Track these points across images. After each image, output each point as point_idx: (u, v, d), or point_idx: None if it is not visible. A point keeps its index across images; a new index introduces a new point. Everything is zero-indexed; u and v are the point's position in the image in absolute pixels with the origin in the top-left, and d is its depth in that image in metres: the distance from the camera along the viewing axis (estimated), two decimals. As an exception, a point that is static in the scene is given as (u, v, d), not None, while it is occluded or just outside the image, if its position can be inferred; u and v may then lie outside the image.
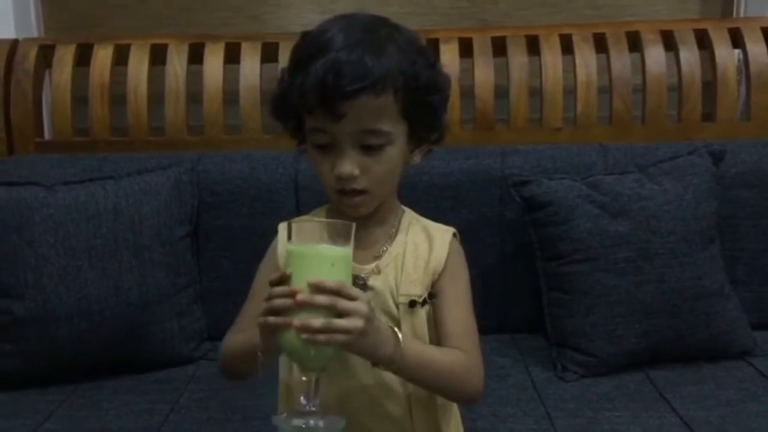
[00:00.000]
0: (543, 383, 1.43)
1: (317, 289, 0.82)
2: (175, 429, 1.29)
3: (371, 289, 0.98)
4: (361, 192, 0.94)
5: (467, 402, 1.04)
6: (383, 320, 0.94)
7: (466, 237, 1.07)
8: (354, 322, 0.82)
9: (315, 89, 0.87)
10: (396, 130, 0.93)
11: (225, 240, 1.61)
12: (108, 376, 1.46)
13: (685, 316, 1.45)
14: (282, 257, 1.01)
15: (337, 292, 0.82)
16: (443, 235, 1.02)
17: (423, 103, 0.94)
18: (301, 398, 0.85)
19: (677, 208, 1.46)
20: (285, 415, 0.86)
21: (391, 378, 0.98)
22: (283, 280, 0.84)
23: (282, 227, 1.05)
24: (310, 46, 0.91)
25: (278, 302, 0.82)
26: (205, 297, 1.60)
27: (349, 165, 0.91)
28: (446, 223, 1.07)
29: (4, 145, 1.74)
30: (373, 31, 0.92)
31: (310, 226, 0.89)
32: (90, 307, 1.43)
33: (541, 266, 1.53)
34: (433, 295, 0.99)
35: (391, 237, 1.01)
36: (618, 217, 1.46)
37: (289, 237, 0.86)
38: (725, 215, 1.57)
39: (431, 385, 0.97)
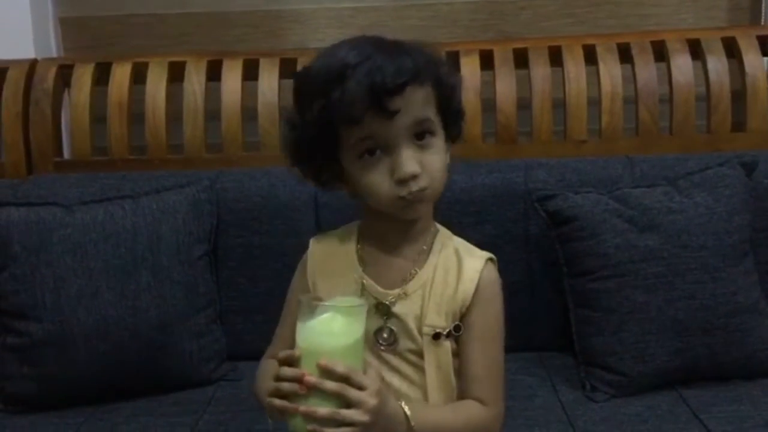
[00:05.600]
0: (571, 404, 1.39)
1: (327, 372, 0.84)
2: (195, 453, 1.27)
3: (395, 316, 0.96)
4: (422, 191, 0.92)
5: None
6: (407, 348, 0.96)
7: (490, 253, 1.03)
8: (360, 416, 0.84)
9: (362, 95, 0.87)
10: (437, 120, 0.94)
11: (244, 259, 1.59)
12: (127, 398, 1.44)
13: (719, 334, 1.40)
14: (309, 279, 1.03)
15: (346, 379, 0.84)
16: (474, 263, 0.99)
17: (451, 98, 0.96)
18: None
19: (709, 222, 1.42)
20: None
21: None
22: (292, 361, 0.86)
23: (314, 242, 1.06)
24: (331, 68, 0.90)
25: (286, 387, 0.85)
26: (224, 317, 1.58)
27: (411, 163, 0.90)
28: (469, 239, 1.04)
29: (23, 165, 1.74)
30: (390, 41, 0.94)
31: (323, 307, 0.88)
32: (108, 329, 1.42)
33: (568, 283, 1.49)
34: (458, 328, 0.97)
35: (422, 259, 0.99)
36: (647, 232, 1.42)
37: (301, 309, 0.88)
38: (759, 228, 1.52)
39: None
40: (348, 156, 0.93)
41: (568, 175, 1.58)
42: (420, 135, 0.92)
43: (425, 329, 0.95)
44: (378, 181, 0.91)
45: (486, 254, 1.01)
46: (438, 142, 0.94)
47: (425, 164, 0.91)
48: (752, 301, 1.43)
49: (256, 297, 1.59)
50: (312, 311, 0.86)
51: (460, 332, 0.97)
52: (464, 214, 1.54)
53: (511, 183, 1.57)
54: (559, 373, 1.50)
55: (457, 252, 1.00)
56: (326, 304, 0.87)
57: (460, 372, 0.98)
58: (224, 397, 1.46)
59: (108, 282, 1.43)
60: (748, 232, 1.46)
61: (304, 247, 1.64)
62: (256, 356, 1.54)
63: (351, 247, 1.01)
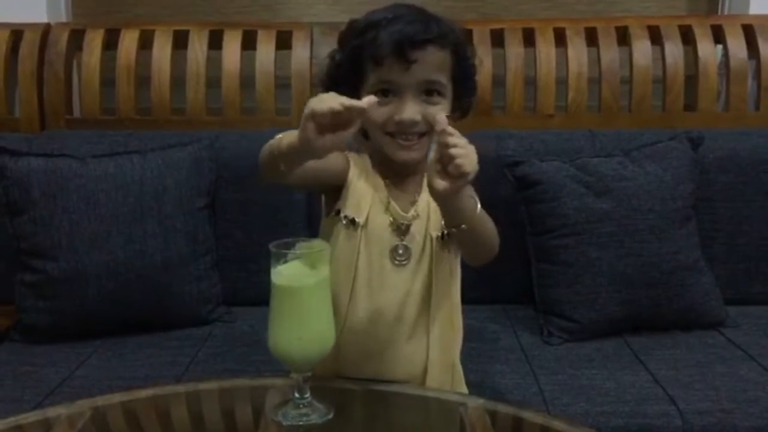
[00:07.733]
0: (530, 346, 1.56)
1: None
2: (195, 378, 1.40)
3: (410, 234, 1.09)
4: (420, 136, 1.05)
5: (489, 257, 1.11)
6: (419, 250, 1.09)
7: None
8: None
9: (389, 42, 1.02)
10: (448, 86, 1.07)
11: (240, 212, 1.73)
12: (132, 332, 1.58)
13: (662, 288, 1.57)
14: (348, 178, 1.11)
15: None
16: None
17: (466, 70, 1.10)
18: (295, 393, 0.97)
19: (657, 189, 1.58)
20: (283, 409, 0.97)
21: (413, 320, 1.11)
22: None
23: (352, 155, 1.13)
24: (371, 19, 1.05)
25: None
26: (220, 264, 1.72)
27: (412, 111, 1.04)
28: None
29: (36, 121, 1.87)
30: (425, 10, 1.08)
31: (291, 254, 0.95)
32: (117, 269, 1.56)
33: (531, 240, 1.65)
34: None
35: (421, 186, 1.12)
36: (602, 196, 1.57)
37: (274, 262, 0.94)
38: (703, 198, 1.68)
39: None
40: (366, 92, 1.05)
41: (535, 145, 1.74)
42: (429, 92, 1.05)
43: (433, 234, 1.09)
44: (380, 116, 1.05)
45: None
46: (444, 103, 1.06)
47: (426, 115, 1.04)
48: (692, 260, 1.60)
49: (249, 248, 1.72)
50: (282, 258, 0.93)
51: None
52: (441, 177, 1.69)
53: (484, 150, 1.72)
54: (520, 322, 1.67)
55: None
56: (293, 251, 0.95)
57: None
58: (220, 335, 1.61)
59: (118, 227, 1.57)
60: (692, 200, 1.63)
61: (295, 203, 1.78)
62: (249, 302, 1.70)
63: (377, 172, 1.12)
